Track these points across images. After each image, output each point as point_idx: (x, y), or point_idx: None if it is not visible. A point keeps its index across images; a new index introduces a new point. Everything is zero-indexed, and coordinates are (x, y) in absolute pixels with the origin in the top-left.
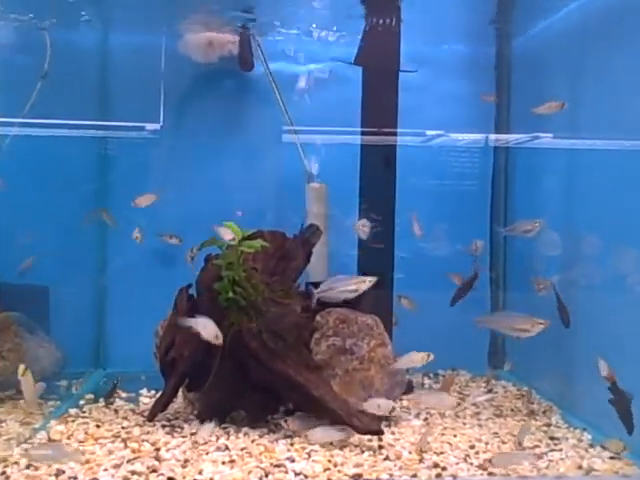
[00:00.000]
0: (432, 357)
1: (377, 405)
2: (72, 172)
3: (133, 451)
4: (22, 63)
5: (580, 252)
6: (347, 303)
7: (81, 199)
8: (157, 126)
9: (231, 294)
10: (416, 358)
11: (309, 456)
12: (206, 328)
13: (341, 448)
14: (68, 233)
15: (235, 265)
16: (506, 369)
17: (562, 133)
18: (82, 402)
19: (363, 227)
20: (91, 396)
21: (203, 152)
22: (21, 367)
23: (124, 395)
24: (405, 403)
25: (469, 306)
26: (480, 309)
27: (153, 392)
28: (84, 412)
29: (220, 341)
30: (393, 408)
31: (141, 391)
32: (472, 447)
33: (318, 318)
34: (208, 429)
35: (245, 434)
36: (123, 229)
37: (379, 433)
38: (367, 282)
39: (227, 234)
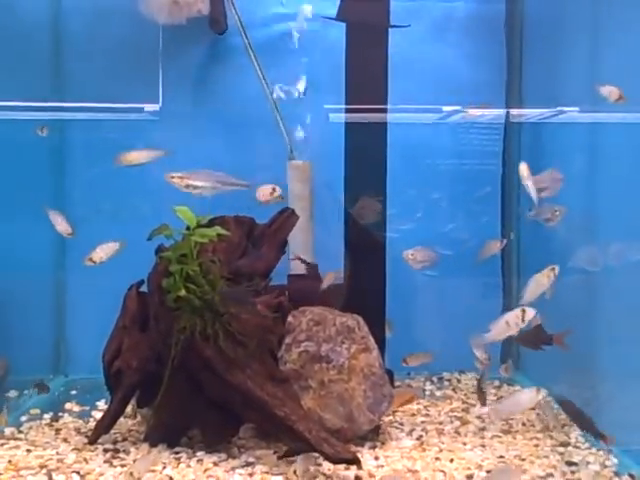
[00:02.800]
0: (542, 394)
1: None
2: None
3: None
4: None
5: (603, 243)
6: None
7: (37, 189)
8: (125, 105)
9: (183, 292)
10: (524, 398)
11: None
12: None
13: None
14: (23, 222)
15: (189, 258)
16: (502, 372)
17: (582, 105)
18: (24, 418)
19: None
20: (37, 411)
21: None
22: None
23: (77, 409)
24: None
25: (478, 298)
26: (491, 300)
27: None
28: (21, 432)
29: None
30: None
31: (98, 403)
32: (470, 478)
33: (290, 319)
34: (147, 461)
35: (199, 461)
36: (85, 220)
37: (354, 462)
38: None
39: None
